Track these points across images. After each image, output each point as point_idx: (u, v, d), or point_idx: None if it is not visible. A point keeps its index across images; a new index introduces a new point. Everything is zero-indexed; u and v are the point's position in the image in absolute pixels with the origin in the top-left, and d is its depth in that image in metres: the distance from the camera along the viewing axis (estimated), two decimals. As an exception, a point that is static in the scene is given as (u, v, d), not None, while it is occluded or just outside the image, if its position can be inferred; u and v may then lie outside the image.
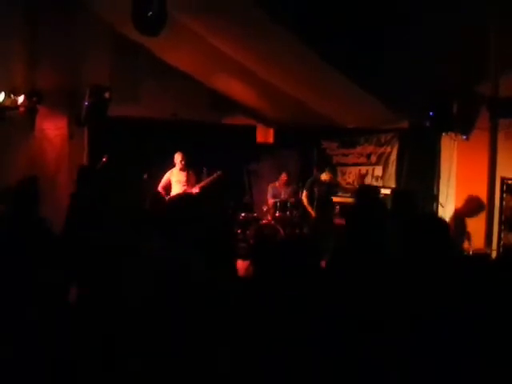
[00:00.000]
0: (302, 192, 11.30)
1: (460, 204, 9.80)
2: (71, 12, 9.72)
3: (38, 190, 6.84)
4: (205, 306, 3.61)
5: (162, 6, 7.93)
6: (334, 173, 11.62)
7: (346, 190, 11.94)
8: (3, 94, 8.68)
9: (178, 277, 3.70)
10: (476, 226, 9.38)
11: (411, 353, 3.35)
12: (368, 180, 12.02)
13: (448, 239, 4.06)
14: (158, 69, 11.21)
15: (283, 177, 11.91)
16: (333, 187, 11.42)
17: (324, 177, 11.18)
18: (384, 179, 11.69)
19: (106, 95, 9.82)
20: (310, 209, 11.03)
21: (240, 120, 12.84)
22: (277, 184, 11.99)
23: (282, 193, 11.86)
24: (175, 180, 11.02)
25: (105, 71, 10.48)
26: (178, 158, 10.94)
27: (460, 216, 9.70)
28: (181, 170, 10.98)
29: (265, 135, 13.46)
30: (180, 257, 3.75)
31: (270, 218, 11.47)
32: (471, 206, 9.69)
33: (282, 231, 10.95)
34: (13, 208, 6.78)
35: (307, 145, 13.31)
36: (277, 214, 11.44)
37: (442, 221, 4.27)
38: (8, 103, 8.79)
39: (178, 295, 3.62)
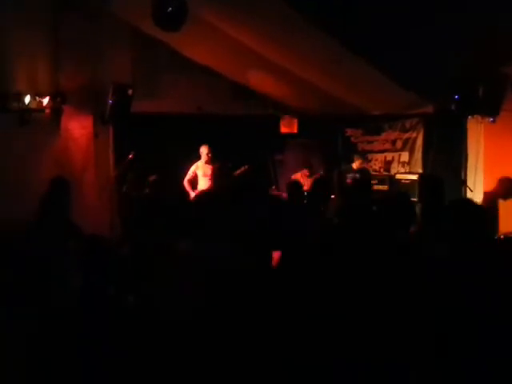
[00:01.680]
0: None
1: (491, 187, 9.72)
2: (91, 11, 9.73)
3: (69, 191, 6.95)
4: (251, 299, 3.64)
5: (181, 0, 7.94)
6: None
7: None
8: (28, 96, 8.75)
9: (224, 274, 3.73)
10: (505, 210, 9.30)
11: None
12: (394, 166, 11.96)
13: (486, 225, 4.01)
14: (180, 63, 11.23)
15: (305, 172, 11.82)
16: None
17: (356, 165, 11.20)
18: (410, 165, 11.64)
19: (129, 92, 9.85)
20: None
21: (264, 111, 12.82)
22: (299, 175, 11.94)
23: (306, 184, 11.82)
24: (201, 173, 11.01)
25: (127, 68, 10.50)
26: (204, 150, 10.92)
27: (492, 198, 9.61)
28: (206, 163, 10.96)
29: (289, 125, 13.40)
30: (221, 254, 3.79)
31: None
32: (505, 187, 9.64)
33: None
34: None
35: (332, 133, 13.24)
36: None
37: (478, 206, 4.19)
38: (33, 105, 8.85)
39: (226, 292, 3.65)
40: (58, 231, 6.69)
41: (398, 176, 11.14)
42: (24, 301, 4.30)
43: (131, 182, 10.23)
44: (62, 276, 5.48)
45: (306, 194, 11.42)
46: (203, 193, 10.61)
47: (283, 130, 13.29)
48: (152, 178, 10.10)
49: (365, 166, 11.46)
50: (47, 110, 9.14)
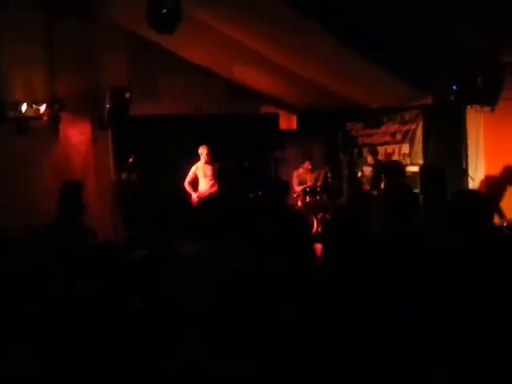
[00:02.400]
0: None
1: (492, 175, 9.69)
2: (85, 16, 9.69)
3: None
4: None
5: (175, 2, 7.90)
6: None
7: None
8: (25, 104, 8.72)
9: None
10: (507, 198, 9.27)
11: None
12: (395, 158, 11.92)
13: (490, 215, 4.00)
14: (176, 64, 11.23)
15: (306, 165, 11.84)
16: None
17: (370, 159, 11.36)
18: (411, 156, 11.59)
19: (127, 96, 9.81)
20: None
21: (262, 109, 12.81)
22: (301, 171, 11.94)
23: (308, 179, 11.84)
24: (201, 174, 10.96)
25: (123, 72, 10.48)
26: (203, 151, 10.84)
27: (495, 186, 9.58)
28: (206, 163, 10.91)
29: (288, 122, 13.41)
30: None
31: (300, 204, 11.43)
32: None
33: (313, 216, 10.91)
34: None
35: (331, 128, 13.22)
36: (307, 200, 11.41)
37: (483, 197, 4.16)
38: (31, 113, 8.83)
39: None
40: (71, 235, 6.73)
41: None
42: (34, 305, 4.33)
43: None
44: (72, 280, 5.49)
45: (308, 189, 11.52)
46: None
47: (282, 126, 13.28)
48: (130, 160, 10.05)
49: (378, 159, 11.51)
50: (45, 118, 9.12)
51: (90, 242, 7.02)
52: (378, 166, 11.18)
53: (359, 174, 11.71)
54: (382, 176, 10.89)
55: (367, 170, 11.33)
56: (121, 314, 3.85)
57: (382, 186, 10.77)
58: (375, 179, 11.00)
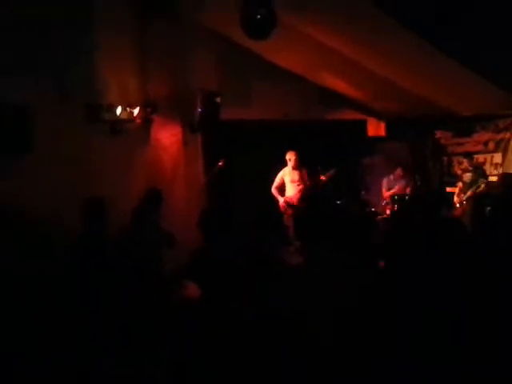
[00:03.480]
0: None
1: None
2: (175, 17, 9.80)
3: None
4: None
5: (270, 8, 7.90)
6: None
7: None
8: (120, 107, 8.85)
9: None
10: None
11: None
12: (486, 168, 11.62)
13: None
14: (266, 70, 11.19)
15: (398, 172, 11.74)
16: None
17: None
18: (504, 166, 11.31)
19: (218, 100, 9.90)
20: None
21: (350, 115, 12.71)
22: (391, 177, 11.82)
23: (396, 185, 11.70)
24: (289, 179, 10.96)
25: (213, 75, 10.55)
26: (290, 156, 10.87)
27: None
28: (293, 168, 10.90)
29: (376, 128, 13.28)
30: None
31: (388, 213, 11.25)
32: None
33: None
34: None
35: (420, 136, 13.00)
36: (395, 209, 11.22)
37: None
38: (125, 116, 8.95)
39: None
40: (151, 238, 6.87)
41: (491, 178, 10.97)
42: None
43: None
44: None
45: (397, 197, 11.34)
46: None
47: (370, 133, 13.17)
48: (219, 164, 10.06)
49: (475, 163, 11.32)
50: (138, 120, 9.23)
51: (165, 246, 7.19)
52: (477, 171, 10.95)
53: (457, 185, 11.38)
54: (480, 181, 10.67)
55: (466, 176, 11.03)
56: (216, 315, 3.86)
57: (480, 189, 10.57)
58: (473, 183, 10.76)
